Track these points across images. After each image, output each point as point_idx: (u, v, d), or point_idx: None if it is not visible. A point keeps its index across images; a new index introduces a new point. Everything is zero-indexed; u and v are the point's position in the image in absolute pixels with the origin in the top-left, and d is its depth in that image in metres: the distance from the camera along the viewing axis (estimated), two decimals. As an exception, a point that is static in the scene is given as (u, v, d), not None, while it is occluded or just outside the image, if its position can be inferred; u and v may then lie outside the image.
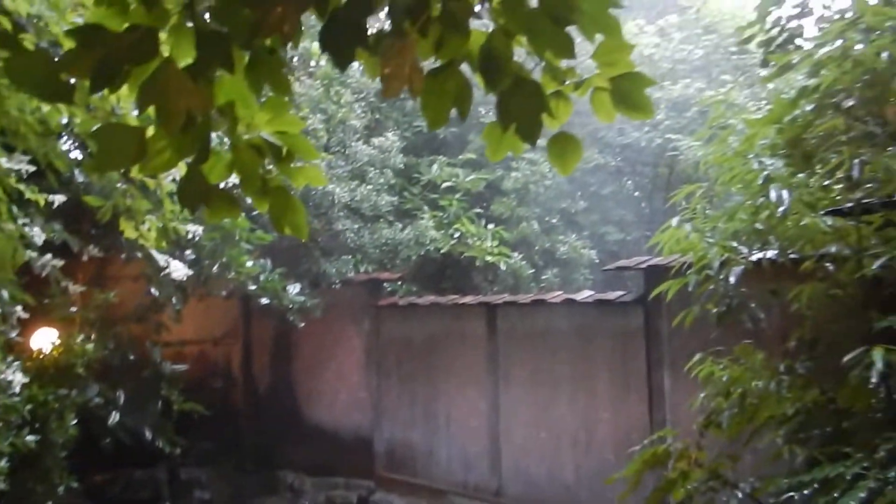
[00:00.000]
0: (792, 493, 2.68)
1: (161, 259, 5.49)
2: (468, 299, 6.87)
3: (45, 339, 6.03)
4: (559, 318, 6.20)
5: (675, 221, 3.67)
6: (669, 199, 4.55)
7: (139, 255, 5.71)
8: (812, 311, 3.32)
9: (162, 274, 5.68)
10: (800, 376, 3.19)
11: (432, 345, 7.20)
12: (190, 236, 5.24)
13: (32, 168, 3.81)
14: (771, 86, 5.99)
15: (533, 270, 8.47)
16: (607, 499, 4.69)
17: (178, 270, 5.60)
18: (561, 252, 8.90)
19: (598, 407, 5.85)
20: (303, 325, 7.24)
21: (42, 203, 3.99)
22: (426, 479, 7.09)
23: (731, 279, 3.34)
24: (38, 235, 4.39)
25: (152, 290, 6.52)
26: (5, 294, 4.22)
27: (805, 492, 2.62)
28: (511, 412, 6.48)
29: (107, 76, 1.66)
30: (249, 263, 6.64)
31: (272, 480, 7.83)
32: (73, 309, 6.08)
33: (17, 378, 4.66)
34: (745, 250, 3.45)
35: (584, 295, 6.08)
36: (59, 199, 4.32)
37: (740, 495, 3.12)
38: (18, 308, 4.55)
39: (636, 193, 11.02)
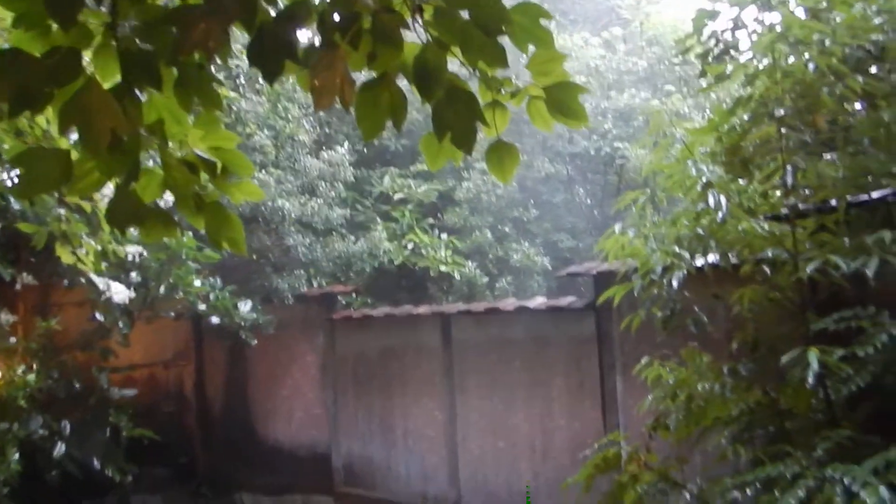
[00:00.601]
0: (736, 494, 2.73)
1: (101, 283, 5.36)
2: (423, 309, 6.85)
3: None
4: (513, 325, 6.23)
5: (617, 228, 3.72)
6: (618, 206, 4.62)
7: (82, 280, 5.56)
8: (753, 313, 3.39)
9: (103, 298, 5.54)
10: (743, 378, 3.25)
11: (388, 357, 7.16)
12: (132, 258, 5.13)
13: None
14: (713, 95, 6.16)
15: (487, 279, 8.51)
16: (564, 505, 4.70)
17: (120, 293, 5.48)
18: (515, 260, 8.95)
19: (554, 413, 5.88)
20: (256, 342, 7.14)
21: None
22: (385, 492, 7.03)
23: (674, 284, 3.39)
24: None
25: (97, 315, 6.35)
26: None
27: (748, 492, 2.67)
28: (468, 422, 6.47)
29: (27, 99, 1.62)
30: (198, 283, 6.52)
31: None
32: (13, 340, 5.89)
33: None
34: (687, 255, 3.51)
35: (537, 302, 6.12)
36: (-9, 228, 4.20)
37: (688, 497, 3.16)
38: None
39: (588, 201, 11.14)
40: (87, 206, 3.53)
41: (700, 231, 3.54)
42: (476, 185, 9.13)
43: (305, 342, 7.79)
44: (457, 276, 8.20)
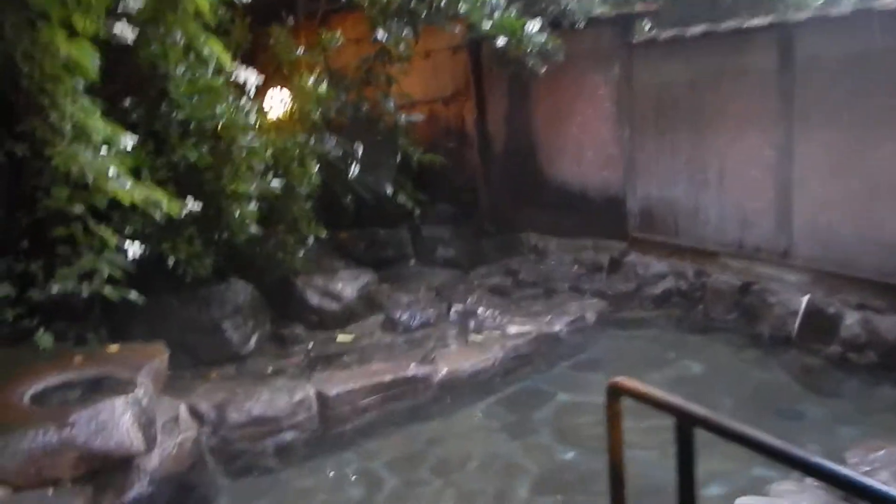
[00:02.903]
0: None
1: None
2: (756, 22, 5.43)
3: (277, 99, 5.73)
4: (886, 35, 4.65)
5: None
6: None
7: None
8: None
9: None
10: None
11: (701, 86, 5.96)
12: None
13: None
14: None
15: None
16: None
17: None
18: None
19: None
20: (543, 72, 6.30)
21: None
22: (690, 239, 6.23)
23: None
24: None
25: (378, 33, 5.89)
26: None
27: None
28: (808, 159, 5.24)
29: None
30: (481, -1, 5.70)
31: (514, 242, 7.42)
32: (300, 50, 5.63)
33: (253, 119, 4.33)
34: None
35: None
36: None
37: None
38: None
39: None
40: None
41: None
42: None
43: (598, 73, 6.79)
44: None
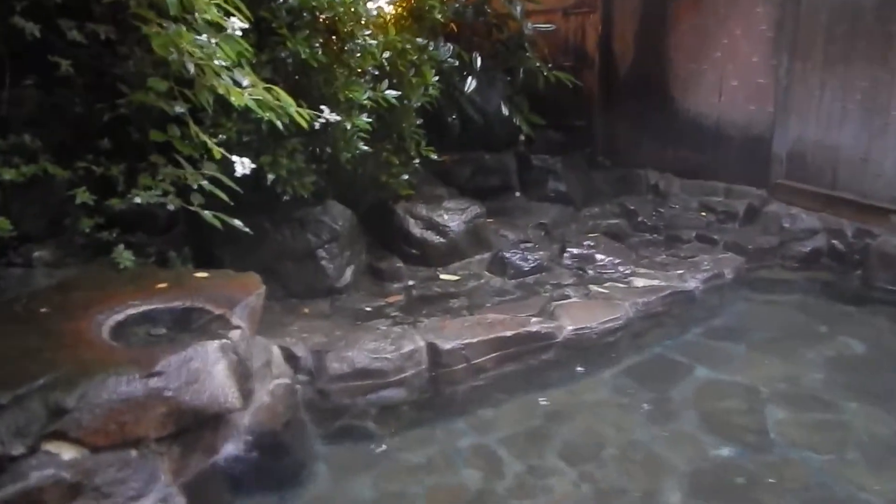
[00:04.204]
0: None
1: None
2: None
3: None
4: None
5: None
6: None
7: None
8: None
9: None
10: None
11: (893, 10, 4.93)
12: None
13: None
14: None
15: None
16: None
17: None
18: None
19: None
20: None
21: None
22: (853, 192, 5.32)
23: None
24: None
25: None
26: None
27: None
28: None
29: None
30: None
31: (630, 178, 6.60)
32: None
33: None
34: None
35: None
36: None
37: None
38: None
39: None
40: None
41: None
42: None
43: (755, -13, 5.77)
44: None
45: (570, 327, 4.14)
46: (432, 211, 5.05)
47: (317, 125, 3.12)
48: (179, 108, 2.68)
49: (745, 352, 4.42)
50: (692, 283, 4.86)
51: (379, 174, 4.60)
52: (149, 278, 3.43)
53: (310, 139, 3.78)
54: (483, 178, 6.06)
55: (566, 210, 6.21)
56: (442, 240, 4.96)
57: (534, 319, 4.10)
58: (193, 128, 2.73)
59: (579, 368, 4.10)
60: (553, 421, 3.68)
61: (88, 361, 2.52)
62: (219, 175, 2.77)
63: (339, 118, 3.14)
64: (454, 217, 5.06)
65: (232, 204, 3.01)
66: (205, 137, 2.66)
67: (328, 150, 4.00)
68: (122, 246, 3.62)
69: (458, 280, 4.83)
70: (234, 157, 2.60)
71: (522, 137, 6.46)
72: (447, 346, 3.73)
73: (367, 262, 4.84)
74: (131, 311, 3.07)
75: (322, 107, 3.00)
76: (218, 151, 2.66)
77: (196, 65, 2.32)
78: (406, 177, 4.80)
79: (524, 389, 3.90)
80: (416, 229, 4.95)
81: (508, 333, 3.92)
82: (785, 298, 5.14)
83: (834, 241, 5.34)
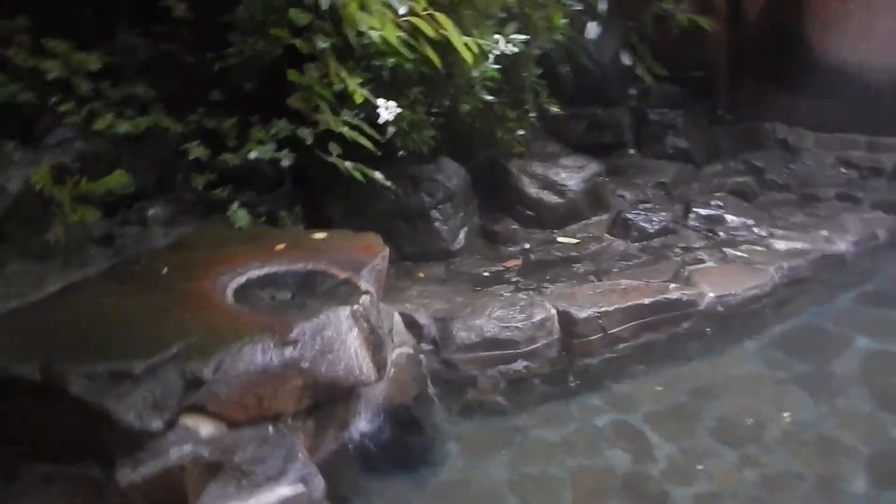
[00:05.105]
0: None
1: None
2: None
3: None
4: None
5: None
6: None
7: None
8: None
9: None
10: None
11: None
12: None
13: None
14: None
15: None
16: None
17: None
18: None
19: None
20: None
21: None
22: None
23: None
24: None
25: None
26: None
27: None
28: None
29: None
30: None
31: (756, 133, 6.03)
32: None
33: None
34: None
35: None
36: None
37: None
38: None
39: None
40: None
41: None
42: None
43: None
44: None
45: (712, 294, 3.75)
46: (548, 169, 4.69)
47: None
48: (322, 44, 2.40)
49: (905, 319, 3.94)
50: (842, 246, 4.37)
51: (495, 129, 4.26)
52: (265, 238, 3.22)
53: (430, 88, 3.46)
54: (596, 135, 5.62)
55: (686, 168, 5.72)
56: (559, 200, 4.60)
57: (672, 286, 3.73)
58: (334, 67, 2.44)
59: (720, 338, 3.71)
60: (701, 397, 3.33)
61: (219, 327, 2.32)
62: (359, 123, 2.48)
63: (515, 49, 2.80)
64: (572, 175, 4.68)
65: (379, 154, 2.73)
66: (348, 79, 2.37)
67: (446, 101, 3.68)
68: (236, 204, 3.43)
69: (577, 243, 4.47)
70: (380, 101, 2.31)
71: (634, 91, 5.98)
72: (582, 314, 3.41)
73: (480, 224, 4.54)
74: (253, 272, 2.86)
75: (496, 36, 2.67)
76: (360, 95, 2.38)
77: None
78: (522, 132, 4.44)
79: (664, 362, 3.55)
80: (531, 189, 4.60)
81: (647, 301, 3.56)
82: (946, 262, 4.58)
83: None
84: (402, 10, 2.19)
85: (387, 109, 2.33)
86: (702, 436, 3.07)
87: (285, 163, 3.39)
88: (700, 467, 2.87)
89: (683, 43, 5.88)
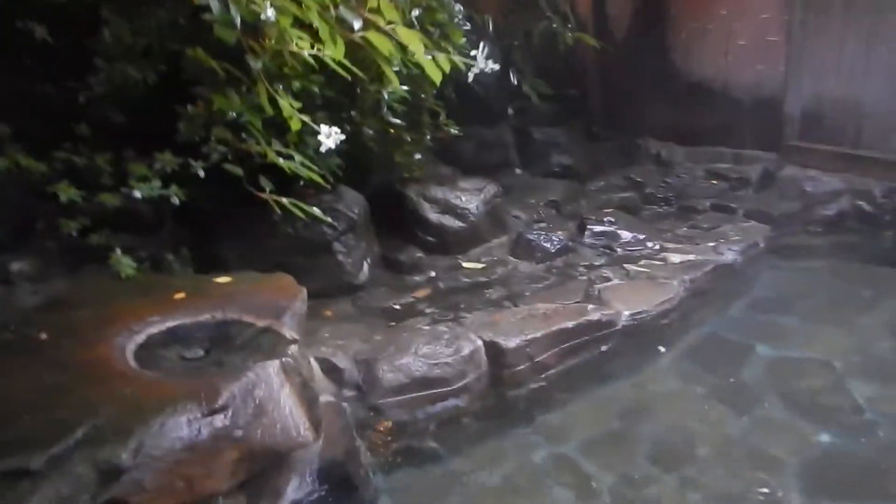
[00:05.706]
0: None
1: None
2: None
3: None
4: None
5: None
6: None
7: None
8: None
9: None
10: None
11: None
12: None
13: None
14: None
15: None
16: None
17: None
18: None
19: None
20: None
21: None
22: (880, 150, 5.10)
23: None
24: None
25: None
26: None
27: None
28: None
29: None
30: None
31: (630, 149, 6.25)
32: None
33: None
34: None
35: None
36: None
37: None
38: None
39: None
40: None
41: None
42: None
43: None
44: None
45: (627, 312, 3.74)
46: (447, 193, 4.55)
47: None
48: (254, 64, 2.10)
49: (799, 324, 4.13)
50: (730, 256, 4.54)
51: (393, 152, 4.06)
52: (159, 287, 2.85)
53: (334, 112, 3.21)
54: (487, 155, 5.57)
55: (572, 185, 5.81)
56: (462, 224, 4.48)
57: (590, 307, 3.69)
58: (263, 90, 2.14)
59: (635, 356, 3.70)
60: (630, 420, 3.28)
61: (131, 400, 1.96)
62: (293, 153, 2.20)
63: (497, 66, 2.62)
64: (472, 198, 4.58)
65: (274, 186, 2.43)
66: (286, 102, 2.09)
67: (347, 126, 3.44)
68: (118, 250, 3.00)
69: (484, 268, 4.36)
70: (322, 127, 2.05)
71: (511, 111, 6.02)
72: (511, 343, 3.27)
73: (381, 253, 4.32)
74: (153, 329, 2.49)
75: (473, 52, 2.47)
76: (298, 121, 2.10)
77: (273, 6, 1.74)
78: (419, 156, 4.28)
79: (589, 385, 3.49)
80: (431, 214, 4.44)
81: (570, 324, 3.49)
82: (818, 264, 4.89)
83: (860, 203, 5.12)
84: (357, 26, 1.95)
85: (328, 137, 2.08)
86: (639, 461, 3.00)
87: (175, 200, 3.02)
88: (643, 495, 2.80)
89: (555, 60, 5.99)
